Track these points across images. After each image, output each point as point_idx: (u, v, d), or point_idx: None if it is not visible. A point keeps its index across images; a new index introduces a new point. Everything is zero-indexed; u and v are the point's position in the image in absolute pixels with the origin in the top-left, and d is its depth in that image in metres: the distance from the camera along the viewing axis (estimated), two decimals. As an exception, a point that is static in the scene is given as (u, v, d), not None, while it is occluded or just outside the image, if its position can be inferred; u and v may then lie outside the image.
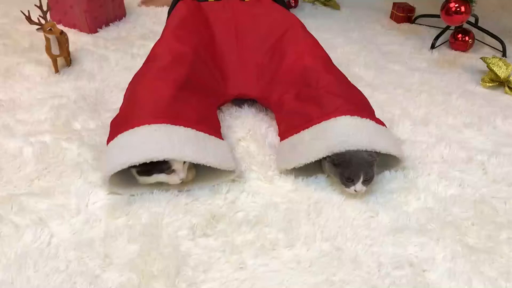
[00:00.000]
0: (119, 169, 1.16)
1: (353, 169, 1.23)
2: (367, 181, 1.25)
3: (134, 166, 1.18)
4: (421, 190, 1.33)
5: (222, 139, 1.37)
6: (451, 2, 1.94)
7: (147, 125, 1.22)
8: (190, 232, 1.15)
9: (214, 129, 1.36)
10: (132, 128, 1.22)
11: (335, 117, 1.31)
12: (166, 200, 1.23)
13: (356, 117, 1.31)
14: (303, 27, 1.70)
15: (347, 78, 1.53)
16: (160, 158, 1.16)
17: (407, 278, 1.09)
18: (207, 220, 1.19)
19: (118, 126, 1.27)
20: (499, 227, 1.23)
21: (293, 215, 1.23)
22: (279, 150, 1.41)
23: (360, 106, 1.39)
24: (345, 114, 1.31)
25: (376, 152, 1.24)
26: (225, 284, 1.04)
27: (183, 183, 1.26)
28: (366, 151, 1.23)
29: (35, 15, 1.70)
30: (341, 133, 1.27)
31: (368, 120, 1.31)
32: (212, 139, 1.31)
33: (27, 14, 1.66)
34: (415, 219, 1.24)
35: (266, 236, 1.16)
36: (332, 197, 1.29)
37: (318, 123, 1.32)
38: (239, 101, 1.65)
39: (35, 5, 1.71)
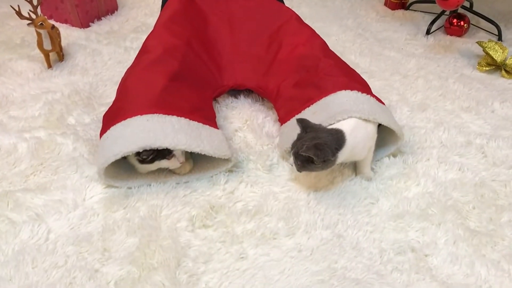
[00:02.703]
0: (113, 159, 1.15)
1: (299, 142, 1.17)
2: (301, 166, 1.15)
3: (137, 154, 1.17)
4: (420, 176, 1.32)
5: (217, 129, 1.35)
6: (445, -14, 1.92)
7: (139, 116, 1.21)
8: (189, 223, 1.14)
9: (208, 118, 1.35)
10: (125, 119, 1.21)
11: (335, 92, 1.32)
12: (164, 192, 1.22)
13: (356, 91, 1.31)
14: (298, 19, 1.68)
15: (345, 63, 1.52)
16: (153, 146, 1.15)
17: (409, 263, 1.08)
18: (206, 211, 1.18)
19: (111, 118, 1.26)
20: (500, 210, 1.23)
21: (293, 204, 1.22)
22: (280, 133, 1.40)
23: (360, 85, 1.37)
24: (345, 89, 1.32)
25: (324, 155, 1.12)
26: (226, 274, 1.04)
27: (181, 175, 1.25)
28: (327, 148, 1.13)
29: (25, 10, 1.67)
30: (342, 103, 1.26)
31: (368, 95, 1.31)
32: (206, 128, 1.30)
33: (17, 9, 1.63)
34: (415, 204, 1.23)
35: (266, 226, 1.15)
36: (332, 185, 1.27)
37: (319, 100, 1.31)
38: (235, 91, 1.63)
39: (25, -1, 1.68)
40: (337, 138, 1.16)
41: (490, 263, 1.09)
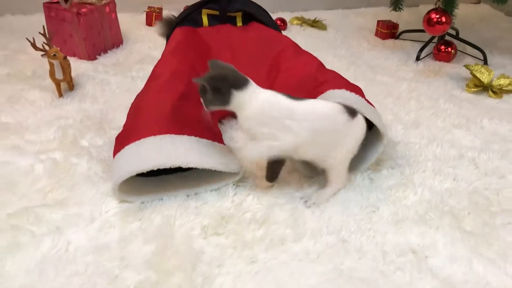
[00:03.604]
0: (127, 176, 1.23)
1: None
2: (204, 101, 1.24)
3: None
4: (417, 185, 1.40)
5: (225, 145, 1.44)
6: (432, 13, 2.06)
7: (152, 137, 1.29)
8: (202, 231, 1.20)
9: (216, 135, 1.43)
10: (138, 139, 1.29)
11: (325, 91, 1.42)
12: (176, 204, 1.29)
13: (344, 90, 1.41)
14: (295, 45, 1.80)
15: (342, 77, 1.61)
16: (166, 166, 1.23)
17: (411, 263, 1.14)
18: (217, 220, 1.24)
19: (124, 139, 1.34)
20: (493, 215, 1.30)
21: (298, 213, 1.29)
22: None
23: (356, 91, 1.45)
24: (339, 88, 1.43)
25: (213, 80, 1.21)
26: (239, 277, 1.09)
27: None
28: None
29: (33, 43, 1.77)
30: (332, 98, 1.35)
31: (358, 96, 1.40)
32: (216, 145, 1.38)
33: (32, 41, 1.74)
34: (414, 211, 1.30)
35: (274, 232, 1.22)
36: (335, 196, 1.35)
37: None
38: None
39: (39, 32, 1.79)
40: (239, 78, 1.23)
41: (487, 261, 1.15)
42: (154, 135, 1.30)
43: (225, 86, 1.21)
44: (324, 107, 1.26)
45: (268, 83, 1.69)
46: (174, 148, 1.28)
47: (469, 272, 1.13)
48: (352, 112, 1.28)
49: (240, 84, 1.22)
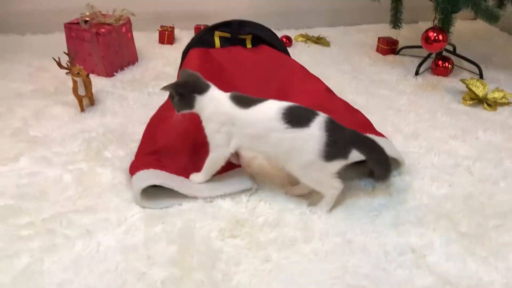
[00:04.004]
0: (147, 184, 1.41)
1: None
2: (174, 106, 1.43)
3: None
4: (416, 191, 1.52)
5: (239, 167, 1.58)
6: (429, 32, 2.19)
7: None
8: (219, 234, 1.32)
9: (230, 162, 1.55)
10: (161, 170, 1.48)
11: None
12: (195, 210, 1.41)
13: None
14: (303, 69, 1.93)
15: (349, 104, 1.75)
16: (180, 192, 1.43)
17: (410, 261, 1.26)
18: (233, 224, 1.36)
19: (149, 161, 1.52)
20: (486, 218, 1.42)
21: (307, 217, 1.41)
22: None
23: (362, 125, 1.61)
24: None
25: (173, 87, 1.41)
26: (254, 274, 1.21)
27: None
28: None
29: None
30: None
31: (368, 134, 1.53)
32: (228, 173, 1.53)
33: (57, 60, 1.87)
34: (413, 214, 1.42)
35: (286, 235, 1.33)
36: (340, 201, 1.46)
37: None
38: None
39: (64, 52, 1.93)
40: (200, 84, 1.41)
41: (480, 259, 1.27)
42: (177, 175, 1.50)
43: (188, 91, 1.40)
44: (263, 115, 1.36)
45: None
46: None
47: (464, 268, 1.24)
48: (296, 122, 1.32)
49: (201, 89, 1.41)
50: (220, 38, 2.00)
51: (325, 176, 1.37)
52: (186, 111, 1.43)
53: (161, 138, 1.59)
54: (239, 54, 1.97)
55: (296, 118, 1.33)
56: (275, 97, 1.81)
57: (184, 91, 1.40)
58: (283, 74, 1.90)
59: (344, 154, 1.33)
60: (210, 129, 1.42)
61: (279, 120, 1.33)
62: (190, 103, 1.41)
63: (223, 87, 1.74)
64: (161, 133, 1.60)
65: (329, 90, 1.84)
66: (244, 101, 1.40)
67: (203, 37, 1.98)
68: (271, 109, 1.35)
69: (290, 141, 1.32)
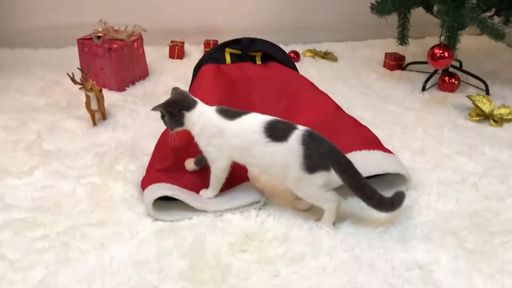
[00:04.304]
0: (159, 195, 1.45)
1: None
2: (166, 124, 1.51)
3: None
4: (423, 207, 1.54)
5: (247, 180, 1.61)
6: (435, 48, 2.22)
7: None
8: (229, 248, 1.35)
9: (238, 176, 1.59)
10: (173, 184, 1.53)
11: (348, 152, 1.57)
12: (205, 224, 1.44)
13: (365, 150, 1.59)
14: (311, 85, 1.96)
15: (357, 120, 1.79)
16: (189, 204, 1.47)
17: (417, 277, 1.28)
18: (242, 239, 1.39)
19: (162, 174, 1.56)
20: (493, 234, 1.44)
21: (315, 232, 1.43)
22: None
23: (370, 141, 1.65)
24: (356, 150, 1.60)
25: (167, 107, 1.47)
26: (264, 289, 1.23)
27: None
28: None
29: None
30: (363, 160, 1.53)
31: (376, 151, 1.56)
32: (236, 187, 1.57)
33: (71, 76, 1.92)
34: (420, 230, 1.44)
35: (294, 250, 1.36)
36: (348, 217, 1.49)
37: None
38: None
39: (78, 67, 1.98)
40: (187, 101, 1.47)
41: (486, 276, 1.28)
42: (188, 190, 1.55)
43: (176, 109, 1.45)
44: (247, 127, 1.42)
45: None
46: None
47: (470, 285, 1.26)
48: (276, 136, 1.38)
49: (189, 105, 1.47)
50: (231, 54, 2.04)
51: (315, 189, 1.40)
52: (179, 129, 1.50)
53: (171, 155, 1.62)
54: (249, 70, 2.01)
55: (276, 132, 1.39)
56: (285, 112, 1.85)
57: (173, 109, 1.46)
58: (293, 90, 1.93)
59: (324, 166, 1.37)
60: (202, 143, 1.49)
61: (262, 133, 1.39)
62: (180, 120, 1.47)
63: (237, 102, 1.78)
64: (170, 150, 1.63)
65: (337, 107, 1.87)
66: (230, 113, 1.47)
67: (214, 54, 2.03)
68: (255, 122, 1.43)
69: (271, 154, 1.39)
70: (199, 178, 1.58)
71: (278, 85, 1.95)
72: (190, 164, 1.60)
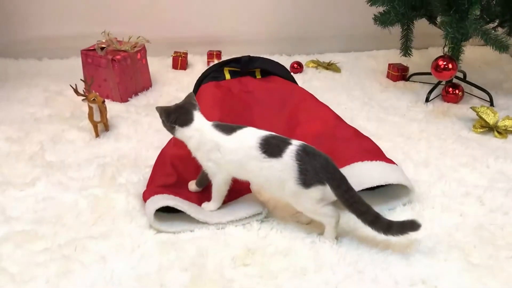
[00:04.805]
0: (161, 205, 1.45)
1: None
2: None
3: None
4: (427, 221, 1.52)
5: (250, 192, 1.61)
6: (439, 60, 2.22)
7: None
8: (231, 262, 1.34)
9: (240, 189, 1.58)
10: (175, 195, 1.52)
11: (349, 164, 1.57)
12: (207, 237, 1.43)
13: (366, 161, 1.58)
14: (312, 97, 1.95)
15: (358, 131, 1.78)
16: (191, 216, 1.46)
17: (421, 292, 1.26)
18: (245, 252, 1.38)
19: (164, 186, 1.56)
20: (498, 249, 1.42)
21: (318, 246, 1.42)
22: None
23: (372, 152, 1.64)
24: (357, 161, 1.59)
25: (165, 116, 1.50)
26: (266, 303, 1.22)
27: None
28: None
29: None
30: (354, 175, 1.50)
31: (378, 161, 1.55)
32: (238, 199, 1.57)
33: (74, 87, 1.92)
34: (424, 244, 1.43)
35: (297, 263, 1.35)
36: (351, 231, 1.48)
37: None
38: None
39: (81, 79, 1.99)
40: (186, 115, 1.49)
41: (491, 291, 1.27)
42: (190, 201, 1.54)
43: (168, 120, 1.49)
44: (243, 142, 1.42)
45: (287, 135, 1.85)
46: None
47: (475, 300, 1.24)
48: (271, 152, 1.38)
49: (183, 122, 1.48)
50: (230, 71, 2.04)
51: (313, 203, 1.39)
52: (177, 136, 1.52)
53: (174, 173, 1.62)
54: (249, 84, 2.00)
55: (271, 148, 1.39)
56: (286, 125, 1.84)
57: (166, 119, 1.50)
58: (293, 103, 1.93)
59: (319, 180, 1.35)
60: (200, 158, 1.50)
61: (257, 149, 1.40)
62: (171, 131, 1.51)
63: (237, 118, 1.77)
64: (172, 167, 1.63)
65: (338, 118, 1.86)
66: (226, 128, 1.47)
67: (212, 73, 2.03)
68: (251, 137, 1.43)
69: (268, 170, 1.39)
70: (202, 191, 1.58)
71: (279, 98, 1.95)
72: (192, 185, 1.59)
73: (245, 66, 2.04)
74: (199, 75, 2.11)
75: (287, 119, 1.87)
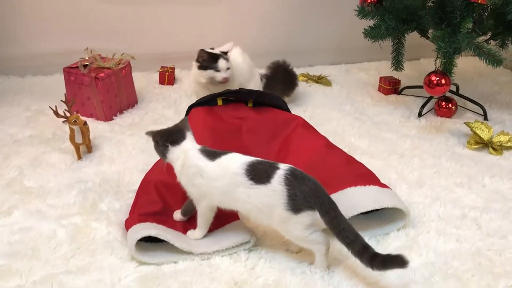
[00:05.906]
0: (144, 235, 1.38)
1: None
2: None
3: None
4: (422, 247, 1.46)
5: (238, 218, 1.54)
6: (432, 75, 2.16)
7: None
8: (217, 298, 1.27)
9: (228, 215, 1.50)
10: (159, 224, 1.47)
11: (342, 189, 1.52)
12: (191, 270, 1.36)
13: (359, 186, 1.53)
14: (304, 124, 1.88)
15: (350, 157, 1.73)
16: (174, 244, 1.39)
17: (417, 327, 1.20)
18: (231, 286, 1.31)
19: (148, 213, 1.50)
20: (497, 277, 1.36)
21: (309, 277, 1.35)
22: None
23: (365, 177, 1.59)
24: (350, 186, 1.54)
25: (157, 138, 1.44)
26: None
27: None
28: None
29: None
30: (347, 200, 1.45)
31: (371, 186, 1.49)
32: (224, 227, 1.50)
33: (54, 109, 1.85)
34: (419, 274, 1.36)
35: (286, 297, 1.28)
36: (343, 260, 1.41)
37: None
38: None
39: (61, 100, 1.90)
40: (178, 133, 1.44)
41: (491, 324, 1.20)
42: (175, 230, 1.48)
43: (162, 140, 1.42)
44: (228, 169, 1.37)
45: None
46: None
47: (474, 335, 1.18)
48: (259, 178, 1.33)
49: (175, 140, 1.42)
50: (223, 99, 1.96)
51: (302, 230, 1.32)
52: (166, 160, 1.45)
53: (159, 201, 1.55)
54: (242, 111, 1.91)
55: (259, 173, 1.34)
56: (277, 155, 1.77)
57: (160, 140, 1.43)
58: (285, 132, 1.84)
59: (308, 205, 1.30)
60: (184, 183, 1.43)
61: (243, 175, 1.34)
62: (164, 153, 1.43)
63: (229, 142, 1.71)
64: (157, 192, 1.57)
65: (330, 145, 1.79)
66: (211, 153, 1.41)
67: (205, 102, 1.95)
68: (236, 163, 1.37)
69: (256, 197, 1.33)
70: (187, 220, 1.51)
71: (270, 128, 1.87)
72: (177, 215, 1.52)
73: (240, 98, 1.96)
74: (187, 90, 2.03)
75: (278, 149, 1.80)
